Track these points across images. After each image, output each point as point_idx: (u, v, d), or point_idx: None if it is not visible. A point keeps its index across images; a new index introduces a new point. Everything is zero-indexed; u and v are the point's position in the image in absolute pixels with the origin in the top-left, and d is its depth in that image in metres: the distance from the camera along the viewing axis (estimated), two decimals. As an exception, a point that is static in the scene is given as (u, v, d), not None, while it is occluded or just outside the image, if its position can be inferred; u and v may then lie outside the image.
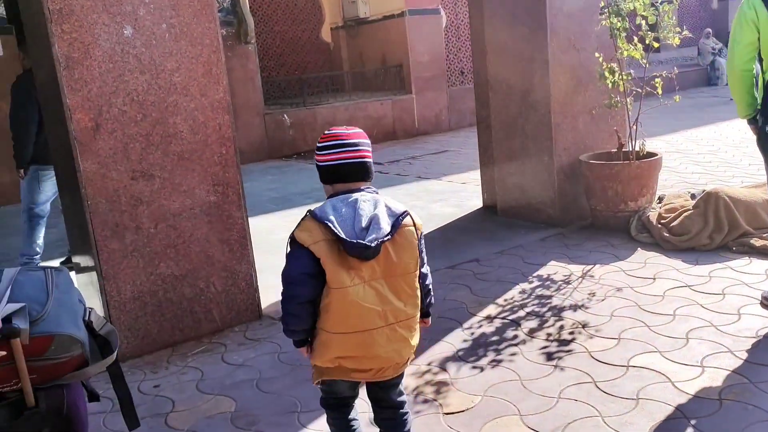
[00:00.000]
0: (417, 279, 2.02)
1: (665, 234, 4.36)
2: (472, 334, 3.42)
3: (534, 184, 5.26)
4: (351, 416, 2.18)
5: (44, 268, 2.27)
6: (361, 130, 2.05)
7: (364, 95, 11.99)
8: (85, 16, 3.22)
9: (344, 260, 1.88)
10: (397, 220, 1.93)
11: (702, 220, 4.28)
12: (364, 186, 2.00)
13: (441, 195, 6.78)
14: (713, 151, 7.76)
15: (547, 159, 5.10)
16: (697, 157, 7.46)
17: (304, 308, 1.93)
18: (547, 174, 5.13)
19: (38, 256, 4.81)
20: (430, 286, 2.15)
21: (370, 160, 2.03)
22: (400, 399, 2.16)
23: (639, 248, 4.44)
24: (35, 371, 2.09)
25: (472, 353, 3.20)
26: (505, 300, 3.83)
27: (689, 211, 4.39)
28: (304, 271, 1.89)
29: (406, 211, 1.97)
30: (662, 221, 4.47)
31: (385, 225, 1.90)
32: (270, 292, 4.06)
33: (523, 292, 3.92)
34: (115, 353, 2.27)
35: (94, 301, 3.53)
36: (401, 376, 2.13)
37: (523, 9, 5.02)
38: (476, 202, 6.17)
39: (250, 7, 10.64)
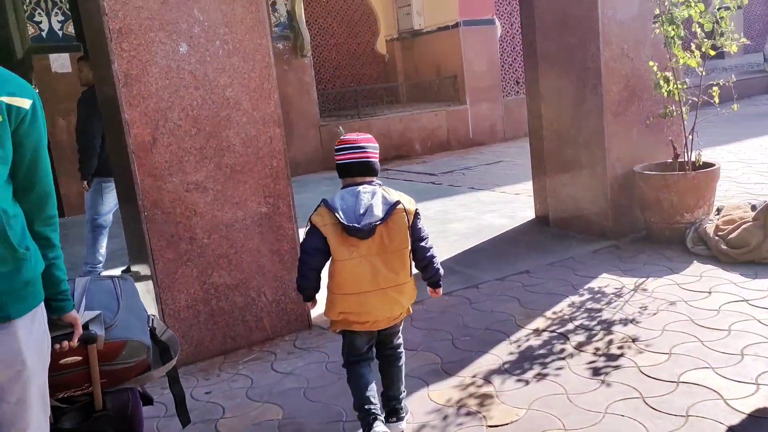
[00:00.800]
0: (408, 254, 2.53)
1: (723, 246, 4.23)
2: (519, 346, 3.39)
3: (587, 194, 5.18)
4: (364, 372, 2.64)
5: (111, 277, 2.37)
6: (369, 136, 2.61)
7: (418, 106, 12.04)
8: (143, 35, 3.37)
9: (345, 239, 2.44)
10: (390, 207, 2.46)
11: (762, 233, 4.13)
12: (369, 180, 2.53)
13: (493, 206, 6.74)
14: (779, 161, 7.46)
15: (600, 170, 5.01)
16: (761, 167, 7.18)
17: (312, 274, 2.53)
18: (600, 185, 5.04)
19: (101, 265, 5.02)
20: (432, 259, 2.59)
21: (374, 159, 2.56)
22: (397, 342, 2.73)
23: (695, 261, 4.31)
24: (105, 375, 2.21)
25: (517, 366, 3.17)
26: (554, 313, 3.78)
27: (749, 223, 4.24)
28: (315, 246, 2.49)
29: (398, 200, 2.49)
30: (720, 233, 4.33)
31: (378, 211, 2.43)
32: (320, 302, 4.14)
33: (572, 305, 3.86)
34: (175, 358, 2.39)
35: (150, 309, 3.67)
36: (397, 326, 2.68)
37: (575, 18, 4.97)
38: (528, 213, 6.11)
39: (307, 21, 10.86)
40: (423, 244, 2.56)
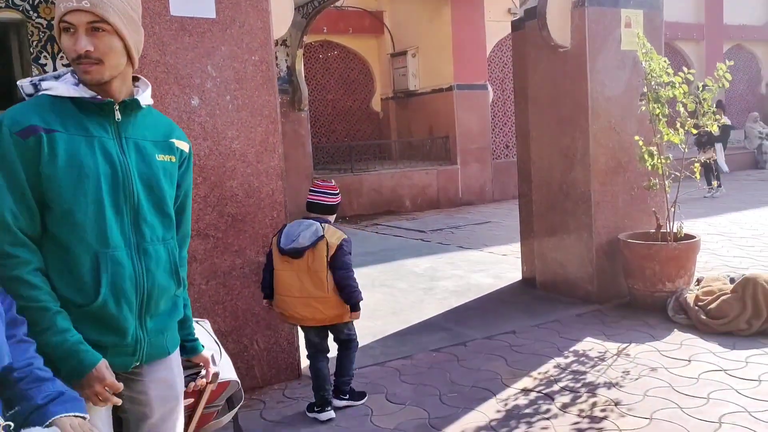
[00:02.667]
0: (326, 275, 3.25)
1: (702, 317, 4.37)
2: (506, 405, 3.48)
3: (573, 259, 5.35)
4: (320, 366, 3.47)
5: (198, 321, 2.28)
6: (331, 183, 3.52)
7: (410, 164, 12.31)
8: (158, 87, 3.54)
9: (280, 255, 3.33)
10: (316, 239, 3.26)
11: (740, 305, 4.29)
12: (316, 216, 3.41)
13: (481, 265, 6.88)
14: (757, 235, 7.70)
15: (587, 236, 5.19)
16: (740, 240, 7.42)
17: (266, 275, 3.44)
18: (586, 250, 5.21)
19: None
20: (347, 283, 3.29)
21: (325, 202, 3.43)
22: (343, 337, 3.54)
23: (676, 329, 4.45)
24: (200, 419, 2.11)
25: (504, 425, 3.25)
26: (540, 373, 3.88)
27: (727, 295, 4.40)
28: (268, 257, 3.45)
29: (323, 235, 3.27)
30: (699, 303, 4.48)
31: (305, 240, 3.27)
32: (309, 352, 4.21)
33: (558, 366, 3.97)
34: (241, 403, 2.32)
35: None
36: (339, 325, 3.44)
37: (565, 92, 5.23)
38: (516, 274, 6.26)
39: (306, 76, 11.18)
40: (340, 271, 3.28)
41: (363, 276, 6.59)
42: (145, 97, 1.77)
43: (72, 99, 1.65)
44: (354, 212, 11.11)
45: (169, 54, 3.56)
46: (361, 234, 9.45)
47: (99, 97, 1.66)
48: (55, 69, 8.98)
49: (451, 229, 9.35)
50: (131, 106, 1.72)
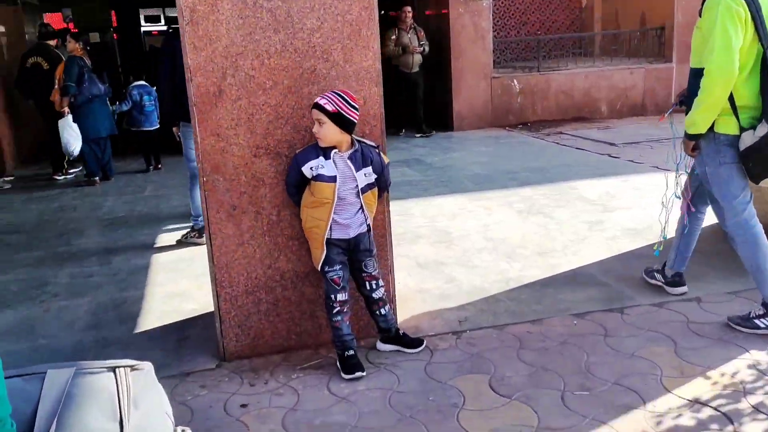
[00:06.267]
0: None
1: None
2: (659, 423, 2.39)
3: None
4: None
5: (114, 369, 1.39)
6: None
7: (611, 61, 10.47)
8: (217, -38, 2.73)
9: None
10: None
11: None
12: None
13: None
14: None
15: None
16: None
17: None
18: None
19: (200, 218, 4.65)
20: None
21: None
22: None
23: None
24: None
25: (644, 459, 2.20)
26: (723, 375, 2.69)
27: None
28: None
29: None
30: None
31: None
32: (415, 299, 3.40)
33: (755, 366, 2.73)
34: None
35: (205, 288, 3.16)
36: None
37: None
38: (720, 212, 4.77)
39: (493, -41, 9.72)
40: None
41: (520, 199, 5.53)
42: None
43: None
44: (537, 117, 9.76)
45: None
46: (538, 145, 8.20)
47: None
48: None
49: (650, 144, 7.70)
50: None
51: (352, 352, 2.88)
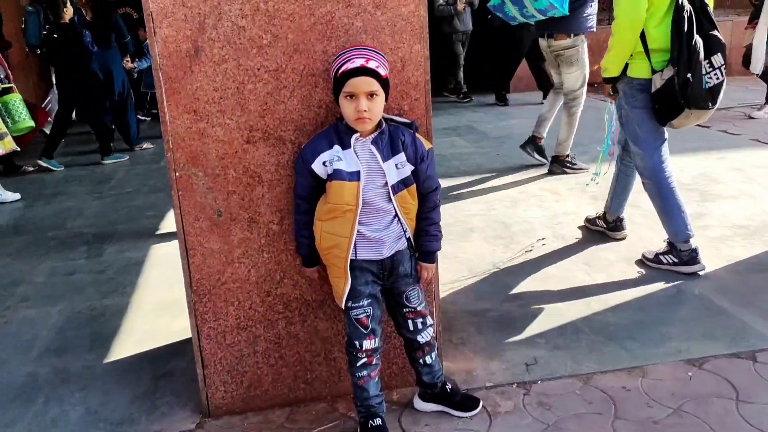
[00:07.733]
0: None
1: None
2: None
3: None
4: None
5: None
6: None
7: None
8: None
9: None
10: None
11: None
12: None
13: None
14: None
15: None
16: None
17: None
18: None
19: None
20: None
21: None
22: None
23: None
24: None
25: None
26: None
27: None
28: None
29: None
30: None
31: None
32: (465, 327, 2.57)
33: None
34: None
35: (177, 326, 2.37)
36: None
37: None
38: None
39: None
40: None
41: (596, 184, 4.57)
42: None
43: None
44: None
45: None
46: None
47: None
48: None
49: (742, 110, 6.56)
50: None
51: (379, 421, 2.05)
